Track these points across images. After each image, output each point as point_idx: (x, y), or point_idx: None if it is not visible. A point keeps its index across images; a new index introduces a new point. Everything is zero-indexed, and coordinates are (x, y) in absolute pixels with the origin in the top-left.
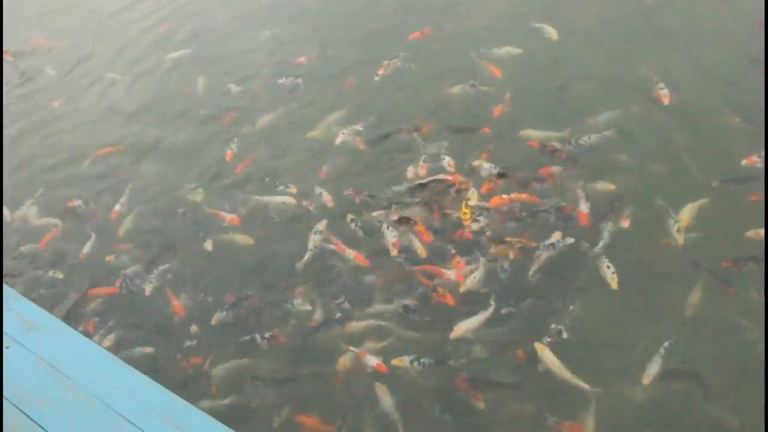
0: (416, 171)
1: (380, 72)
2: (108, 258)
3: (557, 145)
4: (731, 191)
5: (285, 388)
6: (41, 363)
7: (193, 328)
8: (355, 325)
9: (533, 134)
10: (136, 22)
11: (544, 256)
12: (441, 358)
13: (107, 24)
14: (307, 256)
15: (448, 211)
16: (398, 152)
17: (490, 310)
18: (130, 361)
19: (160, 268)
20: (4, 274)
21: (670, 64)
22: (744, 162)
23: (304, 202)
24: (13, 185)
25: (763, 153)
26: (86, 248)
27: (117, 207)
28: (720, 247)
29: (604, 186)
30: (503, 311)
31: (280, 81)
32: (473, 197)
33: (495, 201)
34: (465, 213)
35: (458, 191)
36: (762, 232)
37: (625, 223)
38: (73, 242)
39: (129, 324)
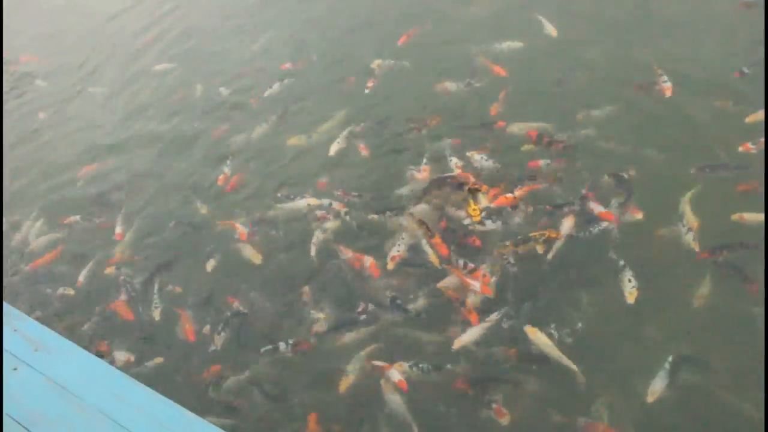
0: (419, 173)
1: (374, 68)
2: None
3: (561, 136)
4: (713, 179)
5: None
6: (50, 383)
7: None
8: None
9: (524, 126)
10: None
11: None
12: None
13: (99, 32)
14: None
15: (457, 212)
16: (400, 154)
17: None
18: (146, 372)
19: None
20: (6, 294)
21: (665, 53)
22: (740, 149)
23: (318, 212)
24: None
25: (758, 140)
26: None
27: (119, 229)
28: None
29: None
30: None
31: (272, 88)
32: (482, 197)
33: (501, 201)
34: (474, 210)
35: (470, 190)
36: (746, 216)
37: (639, 215)
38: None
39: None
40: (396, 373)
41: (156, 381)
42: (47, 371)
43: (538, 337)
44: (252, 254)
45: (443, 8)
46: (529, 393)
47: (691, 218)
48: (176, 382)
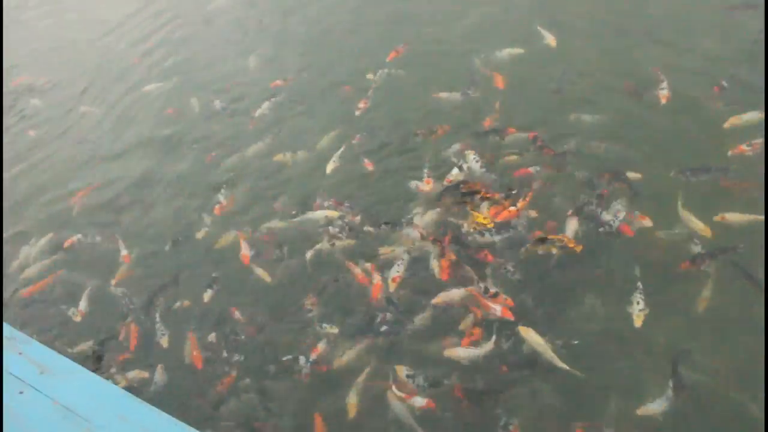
0: (423, 184)
1: (371, 78)
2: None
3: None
4: (695, 182)
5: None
6: (56, 406)
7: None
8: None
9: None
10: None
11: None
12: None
13: (92, 51)
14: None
15: (464, 225)
16: (402, 164)
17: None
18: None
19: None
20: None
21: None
22: (730, 153)
23: (331, 228)
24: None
25: (752, 142)
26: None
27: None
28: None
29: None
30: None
31: (267, 104)
32: (485, 211)
33: (504, 215)
34: (486, 218)
35: (483, 198)
36: (728, 216)
37: (646, 222)
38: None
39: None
40: (419, 400)
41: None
42: (53, 394)
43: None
44: (261, 273)
45: (438, 19)
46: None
47: (697, 224)
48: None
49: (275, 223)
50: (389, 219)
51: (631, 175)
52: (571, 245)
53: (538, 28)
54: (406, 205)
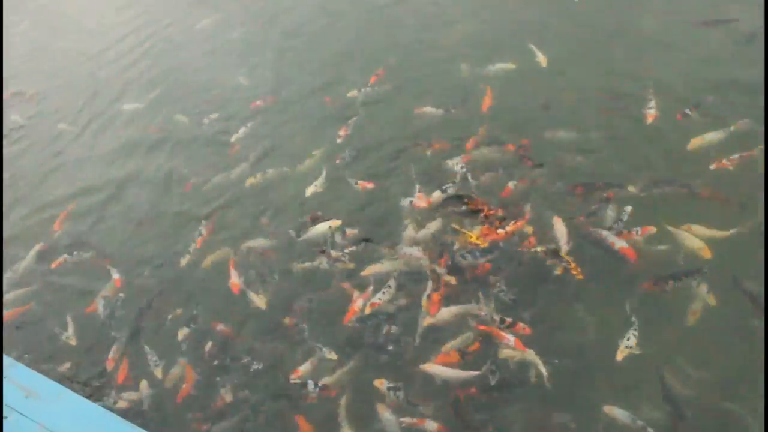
0: (417, 200)
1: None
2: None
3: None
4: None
5: None
6: (43, 430)
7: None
8: None
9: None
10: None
11: None
12: None
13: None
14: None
15: (458, 245)
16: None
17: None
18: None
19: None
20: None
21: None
22: (713, 166)
23: (333, 252)
24: None
25: (732, 157)
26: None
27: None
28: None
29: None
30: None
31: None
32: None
33: (493, 236)
34: (479, 238)
35: (486, 216)
36: (694, 228)
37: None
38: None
39: None
40: (432, 423)
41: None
42: (40, 418)
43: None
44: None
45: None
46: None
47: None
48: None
49: (261, 243)
50: (371, 237)
51: (632, 189)
52: (575, 272)
53: (531, 46)
54: (397, 223)
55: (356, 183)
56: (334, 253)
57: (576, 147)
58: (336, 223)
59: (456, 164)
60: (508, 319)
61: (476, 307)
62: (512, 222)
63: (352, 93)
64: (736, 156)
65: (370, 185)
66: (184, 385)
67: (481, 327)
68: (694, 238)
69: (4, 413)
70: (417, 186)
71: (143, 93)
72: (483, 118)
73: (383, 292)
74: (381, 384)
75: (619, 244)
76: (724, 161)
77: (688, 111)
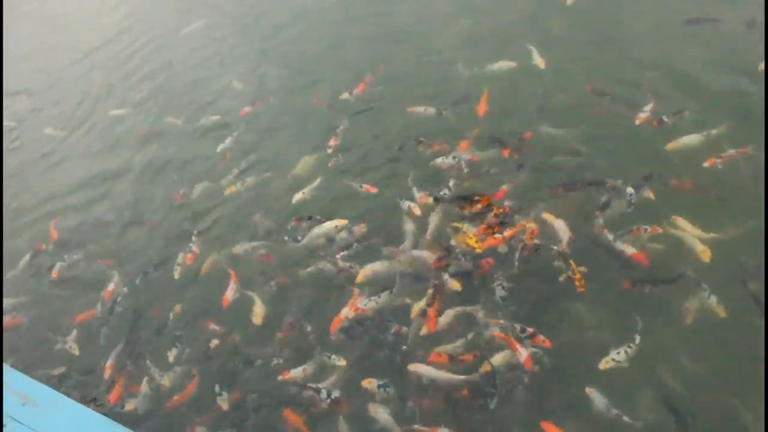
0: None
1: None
2: None
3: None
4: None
5: None
6: None
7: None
8: None
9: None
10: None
11: None
12: None
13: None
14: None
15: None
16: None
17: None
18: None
19: None
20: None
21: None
22: (706, 164)
23: (341, 263)
24: None
25: (723, 154)
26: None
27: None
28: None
29: None
30: None
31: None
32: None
33: (490, 242)
34: (476, 242)
35: (496, 215)
36: (679, 220)
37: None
38: None
39: None
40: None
41: None
42: (37, 425)
43: None
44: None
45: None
46: None
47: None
48: None
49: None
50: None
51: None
52: (578, 284)
53: (529, 46)
54: (398, 225)
55: (361, 186)
56: (340, 262)
57: (567, 148)
58: (342, 222)
59: (450, 161)
60: (530, 329)
61: (493, 320)
62: (510, 227)
63: (344, 95)
64: (726, 153)
65: (374, 189)
66: (183, 391)
67: (499, 335)
68: (696, 240)
69: (3, 422)
70: (414, 189)
71: (134, 96)
72: (477, 119)
73: (370, 300)
74: (370, 383)
75: (630, 250)
76: (713, 159)
77: (665, 119)
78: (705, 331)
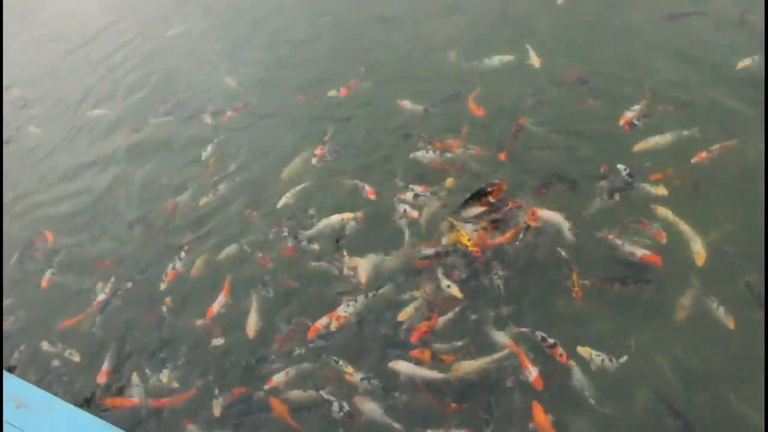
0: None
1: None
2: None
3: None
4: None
5: None
6: None
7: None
8: None
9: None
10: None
11: None
12: None
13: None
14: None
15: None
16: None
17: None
18: None
19: None
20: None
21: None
22: (694, 159)
23: (345, 271)
24: None
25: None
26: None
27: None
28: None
29: None
30: None
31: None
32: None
33: (481, 244)
34: (471, 242)
35: (511, 210)
36: (660, 209)
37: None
38: None
39: None
40: None
41: None
42: (31, 429)
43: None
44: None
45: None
46: None
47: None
48: None
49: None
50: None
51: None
52: (575, 295)
53: (527, 46)
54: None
55: (364, 188)
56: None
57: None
58: (348, 215)
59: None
60: (551, 340)
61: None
62: (508, 229)
63: (332, 93)
64: (714, 147)
65: (372, 195)
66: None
67: (513, 346)
68: (697, 241)
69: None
70: (410, 187)
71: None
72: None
73: (350, 305)
74: (351, 375)
75: (640, 252)
76: (703, 153)
77: (636, 122)
78: (702, 327)
